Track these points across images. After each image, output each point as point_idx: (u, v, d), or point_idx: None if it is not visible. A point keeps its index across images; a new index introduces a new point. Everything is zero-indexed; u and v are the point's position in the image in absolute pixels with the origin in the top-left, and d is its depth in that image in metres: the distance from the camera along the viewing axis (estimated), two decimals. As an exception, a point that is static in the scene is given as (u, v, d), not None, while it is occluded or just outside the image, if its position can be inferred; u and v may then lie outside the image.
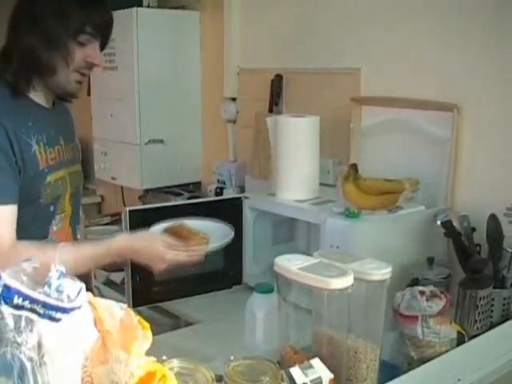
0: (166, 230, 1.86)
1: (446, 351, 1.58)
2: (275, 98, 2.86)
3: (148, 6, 3.34)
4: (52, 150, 1.78)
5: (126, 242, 1.77)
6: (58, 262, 1.07)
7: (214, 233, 1.90)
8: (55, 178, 1.77)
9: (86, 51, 1.75)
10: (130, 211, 2.09)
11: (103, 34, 1.79)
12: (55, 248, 1.68)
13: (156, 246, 1.75)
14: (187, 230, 1.86)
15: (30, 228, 1.69)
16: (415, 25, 2.32)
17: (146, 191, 3.54)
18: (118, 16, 2.89)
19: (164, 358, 1.15)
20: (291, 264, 1.41)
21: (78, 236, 1.93)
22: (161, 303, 2.29)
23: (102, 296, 0.97)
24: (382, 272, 1.44)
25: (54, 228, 1.79)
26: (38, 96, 1.79)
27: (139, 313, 0.99)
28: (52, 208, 1.78)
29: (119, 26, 2.95)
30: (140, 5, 3.29)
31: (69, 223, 1.86)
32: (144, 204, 3.44)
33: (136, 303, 2.08)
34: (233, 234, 1.92)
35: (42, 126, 1.76)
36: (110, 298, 0.99)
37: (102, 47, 1.81)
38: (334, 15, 2.64)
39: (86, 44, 1.74)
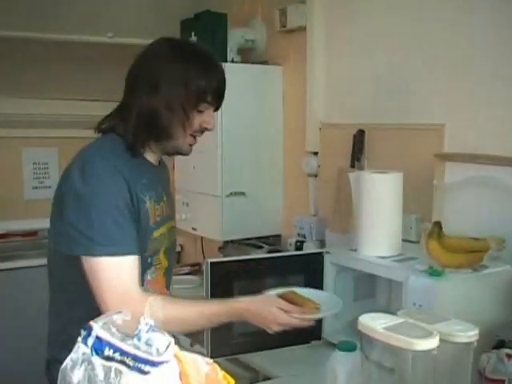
0: (279, 296, 1.91)
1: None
2: (357, 153, 2.87)
3: (232, 61, 3.42)
4: (158, 206, 1.84)
5: (245, 304, 1.83)
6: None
7: (323, 301, 1.93)
8: (159, 234, 1.84)
9: (203, 117, 1.82)
10: (211, 263, 2.11)
11: (220, 101, 1.86)
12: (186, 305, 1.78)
13: (271, 309, 1.82)
14: (299, 297, 1.91)
15: None
16: (503, 79, 2.29)
17: (226, 242, 3.56)
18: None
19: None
20: (375, 323, 1.40)
21: (171, 287, 1.98)
22: (238, 355, 2.29)
23: (181, 346, 0.98)
24: (468, 334, 1.41)
25: (149, 277, 1.84)
26: (150, 155, 1.86)
27: (218, 364, 1.00)
28: (150, 259, 1.84)
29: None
30: (224, 60, 3.37)
31: (163, 274, 1.90)
32: (223, 255, 3.47)
33: (214, 354, 2.09)
34: (341, 304, 1.95)
35: (152, 184, 1.83)
36: (188, 349, 1.00)
37: (216, 110, 1.88)
38: (418, 69, 2.64)
39: (204, 111, 1.81)
